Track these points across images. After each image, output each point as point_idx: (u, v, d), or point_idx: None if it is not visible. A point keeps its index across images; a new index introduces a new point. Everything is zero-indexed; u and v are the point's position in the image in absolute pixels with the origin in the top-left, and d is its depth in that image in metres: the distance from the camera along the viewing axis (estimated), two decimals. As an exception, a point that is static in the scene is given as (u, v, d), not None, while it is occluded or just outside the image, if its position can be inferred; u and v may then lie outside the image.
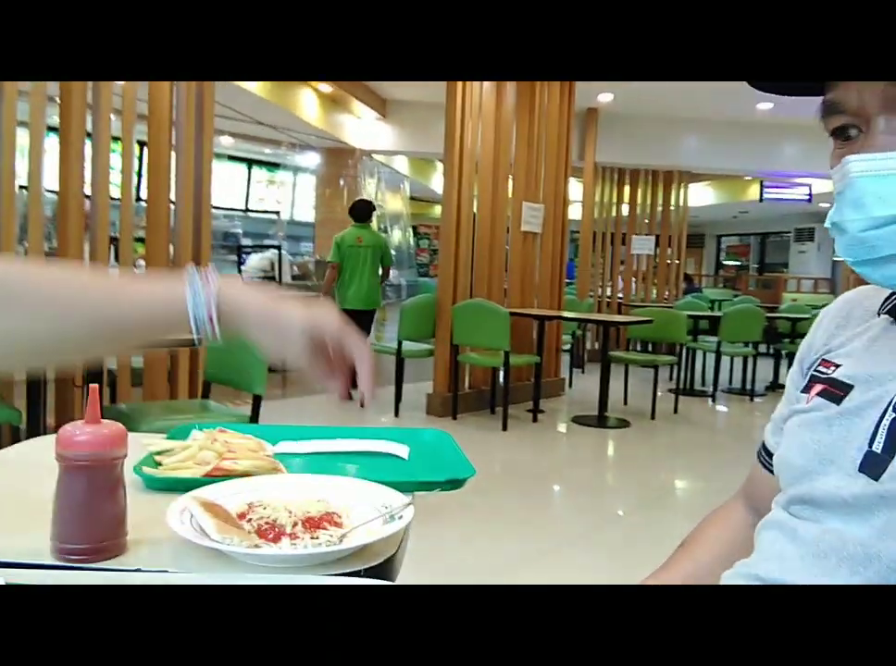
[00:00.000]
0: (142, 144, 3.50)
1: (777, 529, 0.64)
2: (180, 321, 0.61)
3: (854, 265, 0.58)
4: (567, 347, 6.39)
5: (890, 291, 0.66)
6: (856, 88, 0.56)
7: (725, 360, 6.48)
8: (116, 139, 3.27)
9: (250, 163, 8.82)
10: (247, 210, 8.78)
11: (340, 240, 5.59)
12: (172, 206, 3.49)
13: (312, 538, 0.65)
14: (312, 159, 8.40)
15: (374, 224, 8.84)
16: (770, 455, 0.76)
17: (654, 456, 4.46)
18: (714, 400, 6.17)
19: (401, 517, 0.70)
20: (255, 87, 5.99)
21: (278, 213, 8.62)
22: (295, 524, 0.67)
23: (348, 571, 0.63)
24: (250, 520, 0.68)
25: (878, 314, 0.67)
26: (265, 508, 0.70)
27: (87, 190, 3.20)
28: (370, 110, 7.31)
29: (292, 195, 9.29)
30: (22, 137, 2.99)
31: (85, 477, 0.63)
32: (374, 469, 0.96)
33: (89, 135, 3.17)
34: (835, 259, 12.95)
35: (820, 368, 0.68)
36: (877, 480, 0.56)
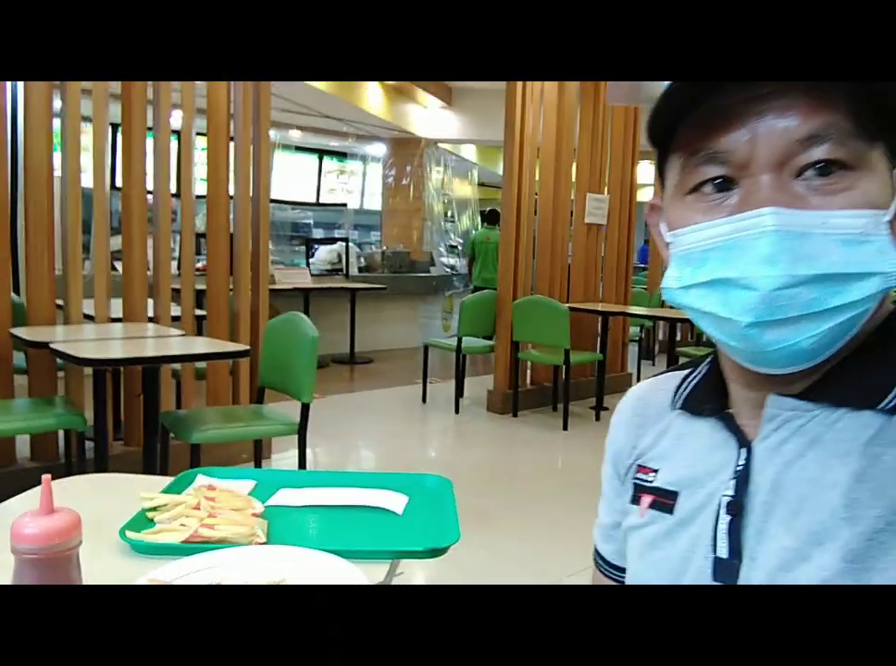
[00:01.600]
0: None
1: None
2: None
3: (749, 327, 0.51)
4: (636, 339, 6.23)
5: (677, 384, 0.66)
6: (748, 139, 0.52)
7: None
8: (175, 132, 3.35)
9: (321, 153, 8.94)
10: (318, 203, 8.92)
11: (473, 238, 7.41)
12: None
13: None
14: (379, 149, 8.45)
15: (440, 210, 8.86)
16: (608, 563, 0.73)
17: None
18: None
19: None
20: (318, 82, 6.05)
21: (345, 205, 8.73)
22: (244, 617, 0.66)
23: None
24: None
25: (672, 409, 0.65)
26: (220, 594, 0.70)
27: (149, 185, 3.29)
28: (436, 99, 7.27)
29: (362, 184, 9.37)
30: (86, 134, 3.11)
31: (37, 569, 0.64)
32: (361, 529, 0.95)
33: (150, 130, 3.26)
34: None
35: (640, 476, 0.66)
36: None
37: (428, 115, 7.55)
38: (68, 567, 0.66)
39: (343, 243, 7.03)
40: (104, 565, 0.81)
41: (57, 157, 3.05)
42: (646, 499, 0.64)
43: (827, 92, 0.51)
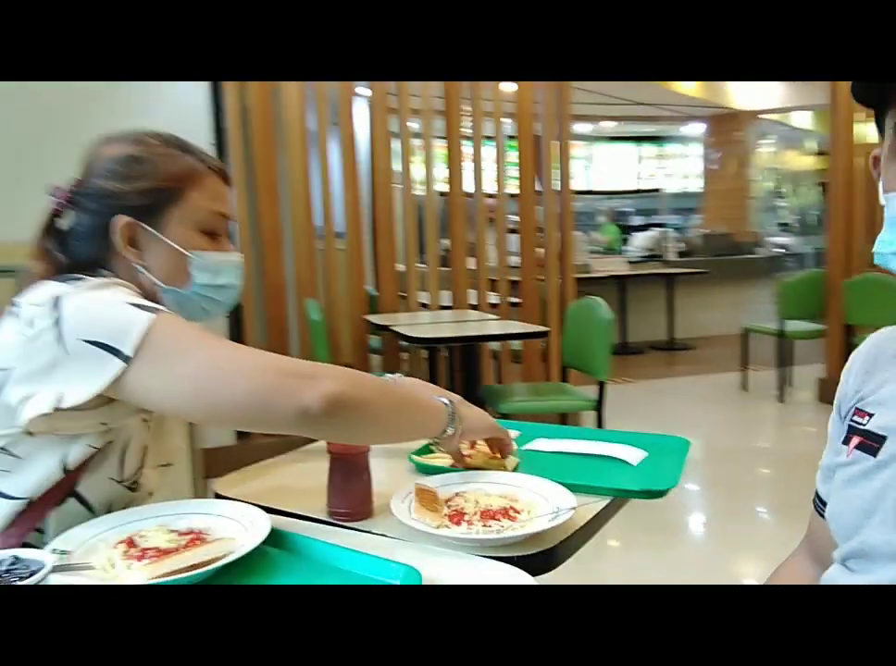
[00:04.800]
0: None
1: (833, 582, 0.65)
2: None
3: None
4: None
5: None
6: None
7: None
8: (489, 138, 3.74)
9: (638, 140, 8.93)
10: (636, 190, 8.93)
11: None
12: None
13: (484, 526, 0.85)
14: (697, 129, 8.14)
15: (768, 187, 8.20)
16: (823, 502, 0.73)
17: None
18: None
19: (555, 518, 0.85)
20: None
21: (658, 190, 8.59)
22: (475, 513, 0.87)
23: (501, 555, 0.81)
24: (450, 505, 0.91)
25: None
26: (463, 497, 0.92)
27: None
28: (762, 67, 6.76)
29: (682, 167, 9.11)
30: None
31: (341, 465, 0.93)
32: (592, 471, 1.10)
33: (468, 138, 3.70)
34: None
35: (855, 418, 0.67)
36: None
37: (750, 86, 7.06)
38: (361, 466, 0.95)
39: (659, 229, 6.96)
40: (396, 476, 1.08)
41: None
42: (855, 440, 0.66)
43: None
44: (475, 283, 3.78)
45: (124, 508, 0.94)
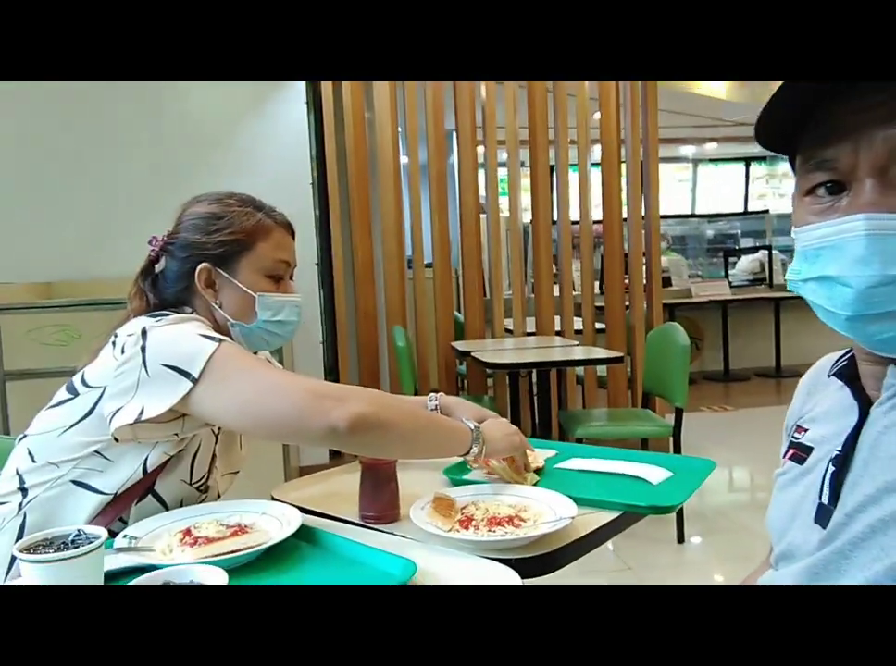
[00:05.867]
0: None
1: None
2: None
3: (850, 320, 0.59)
4: None
5: (839, 356, 0.74)
6: (852, 148, 0.59)
7: None
8: (573, 165, 3.82)
9: (746, 161, 8.66)
10: (745, 211, 8.64)
11: None
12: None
13: (489, 531, 0.95)
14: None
15: None
16: None
17: None
18: None
19: (554, 527, 0.93)
20: (722, 92, 5.99)
21: (766, 211, 8.25)
22: (483, 520, 0.97)
23: (501, 557, 0.90)
24: (463, 512, 1.01)
25: (828, 376, 0.72)
26: (476, 506, 1.03)
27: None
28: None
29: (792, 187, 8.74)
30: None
31: (370, 474, 1.06)
32: (609, 488, 1.16)
33: (553, 166, 3.79)
34: None
35: (795, 434, 0.74)
36: (824, 529, 0.64)
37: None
38: (389, 475, 1.07)
39: (765, 252, 6.72)
40: (429, 486, 1.19)
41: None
42: (790, 452, 0.75)
43: None
44: (560, 309, 3.85)
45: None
